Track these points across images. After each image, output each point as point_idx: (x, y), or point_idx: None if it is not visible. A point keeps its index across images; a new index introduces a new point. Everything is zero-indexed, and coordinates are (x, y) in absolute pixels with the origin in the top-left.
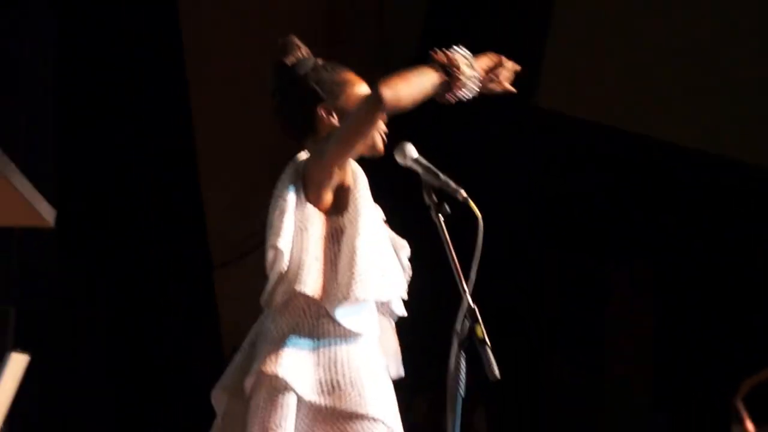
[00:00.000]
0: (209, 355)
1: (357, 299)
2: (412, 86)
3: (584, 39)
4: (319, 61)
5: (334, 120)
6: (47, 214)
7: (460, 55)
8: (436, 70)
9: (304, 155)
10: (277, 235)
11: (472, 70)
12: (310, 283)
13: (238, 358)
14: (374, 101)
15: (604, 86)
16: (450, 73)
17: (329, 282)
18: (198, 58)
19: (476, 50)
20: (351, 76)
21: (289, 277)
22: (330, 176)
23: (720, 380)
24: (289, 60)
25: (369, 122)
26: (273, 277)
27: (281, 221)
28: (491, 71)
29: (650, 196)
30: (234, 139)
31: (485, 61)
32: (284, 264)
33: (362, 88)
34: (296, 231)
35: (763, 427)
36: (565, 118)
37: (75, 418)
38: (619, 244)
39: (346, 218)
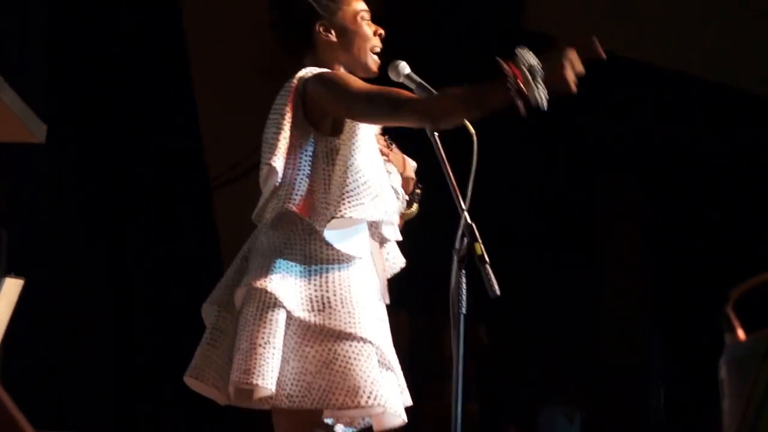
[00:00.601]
0: (208, 275)
1: (345, 217)
2: (471, 109)
3: None
4: None
5: (332, 36)
6: (37, 129)
7: (526, 66)
8: (501, 87)
9: (305, 71)
10: (272, 152)
11: (539, 81)
12: (298, 201)
13: (229, 272)
14: (426, 117)
15: (591, 8)
16: (518, 90)
17: (320, 201)
18: None
19: None
20: None
21: (279, 194)
22: (340, 116)
23: (716, 299)
24: None
25: (406, 122)
26: (265, 192)
27: (277, 138)
28: (563, 68)
29: (638, 116)
30: (229, 56)
31: (558, 61)
32: (276, 180)
33: (359, 5)
34: (291, 149)
35: (754, 332)
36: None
37: (72, 341)
38: (608, 159)
39: (342, 139)
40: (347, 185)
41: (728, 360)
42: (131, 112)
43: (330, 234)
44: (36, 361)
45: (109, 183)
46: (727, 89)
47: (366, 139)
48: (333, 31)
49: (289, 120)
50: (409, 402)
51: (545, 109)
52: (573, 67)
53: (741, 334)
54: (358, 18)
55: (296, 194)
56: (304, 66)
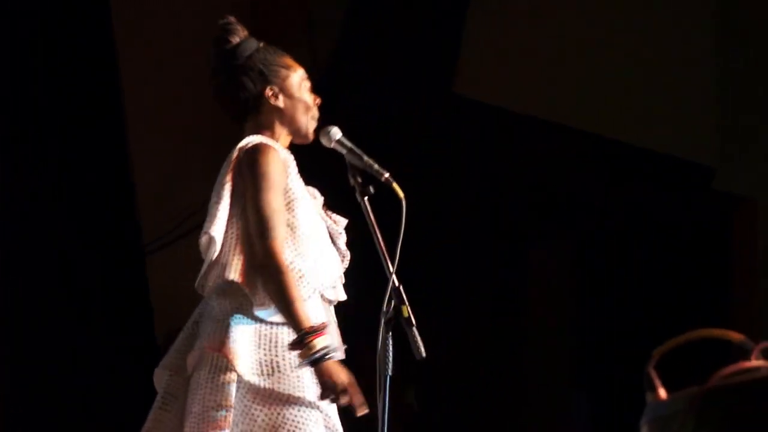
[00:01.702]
0: (142, 341)
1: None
2: (277, 300)
3: (502, 26)
4: (261, 44)
5: (279, 102)
6: None
7: (320, 349)
8: (298, 328)
9: (246, 141)
10: (212, 222)
11: (309, 359)
12: (238, 271)
13: (180, 337)
14: (260, 266)
15: (521, 74)
16: (298, 342)
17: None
18: (129, 43)
19: (396, 40)
20: (290, 60)
21: (219, 264)
22: None
23: (638, 357)
24: (233, 40)
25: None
26: (206, 261)
27: (217, 209)
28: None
29: (568, 180)
30: (166, 123)
31: (340, 379)
32: (215, 250)
33: (301, 72)
34: (231, 220)
35: (675, 392)
36: (482, 105)
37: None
38: (539, 225)
39: None
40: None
41: (649, 419)
42: (65, 171)
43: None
44: None
45: (40, 245)
46: (651, 154)
47: (303, 208)
48: (281, 97)
49: (229, 190)
50: None
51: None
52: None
53: (662, 393)
54: (302, 86)
55: (237, 264)
56: (245, 130)
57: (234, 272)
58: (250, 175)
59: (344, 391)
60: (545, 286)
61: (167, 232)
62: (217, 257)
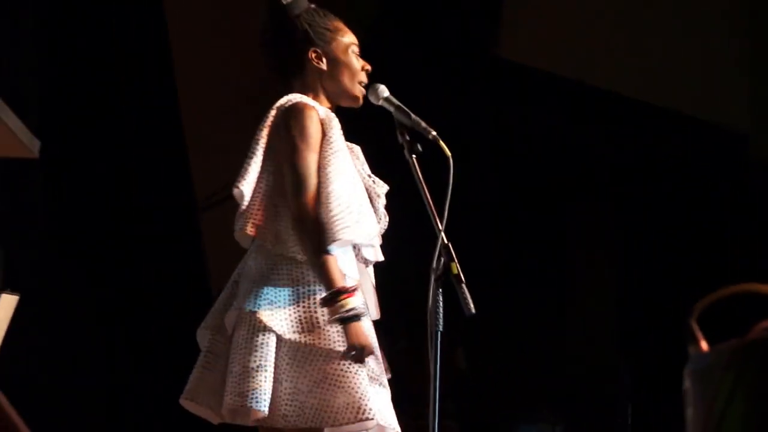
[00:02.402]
0: (197, 299)
1: (336, 240)
2: (310, 256)
3: None
4: (312, 5)
5: (323, 64)
6: (32, 145)
7: (347, 310)
8: (328, 285)
9: (285, 100)
10: (243, 176)
11: (336, 316)
12: (259, 225)
13: (222, 297)
14: (296, 216)
15: (564, 38)
16: (327, 298)
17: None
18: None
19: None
20: (341, 24)
21: (245, 215)
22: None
23: (679, 317)
24: (283, 0)
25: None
26: (237, 215)
27: (249, 164)
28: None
29: (609, 145)
30: (216, 82)
31: (361, 341)
32: (244, 204)
33: (351, 38)
34: (262, 175)
35: (716, 345)
36: (526, 69)
37: (64, 359)
38: (580, 189)
39: (319, 165)
40: (330, 211)
41: (692, 370)
42: (120, 133)
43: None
44: (29, 378)
45: (100, 205)
46: (690, 119)
47: (343, 164)
48: (324, 60)
49: (263, 146)
50: (393, 414)
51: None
52: (359, 358)
53: (704, 345)
54: (349, 51)
55: (259, 219)
56: (292, 88)
57: (251, 226)
58: (287, 134)
59: (369, 353)
60: (587, 249)
61: (220, 189)
62: (243, 211)
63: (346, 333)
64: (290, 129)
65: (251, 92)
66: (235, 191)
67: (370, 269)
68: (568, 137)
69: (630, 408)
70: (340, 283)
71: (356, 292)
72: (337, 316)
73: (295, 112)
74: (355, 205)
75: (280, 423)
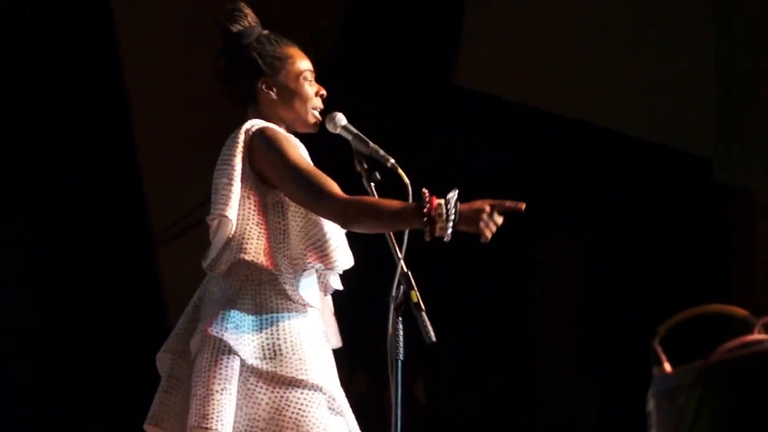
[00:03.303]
0: (154, 329)
1: (314, 267)
2: (382, 225)
3: (502, 16)
4: (265, 32)
5: (273, 95)
6: None
7: (445, 209)
8: (415, 217)
9: (251, 124)
10: (225, 203)
11: (450, 223)
12: (251, 251)
13: (182, 321)
14: (338, 218)
15: (520, 65)
16: (428, 222)
17: (278, 252)
18: (130, 28)
19: (394, 30)
20: (294, 50)
21: (232, 245)
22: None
23: (644, 346)
24: (235, 27)
25: (321, 214)
26: (218, 243)
27: (229, 189)
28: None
29: (570, 172)
30: (173, 111)
31: (476, 207)
32: (231, 231)
33: (303, 65)
34: (242, 199)
35: (680, 366)
36: (483, 96)
37: (17, 399)
38: (543, 217)
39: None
40: (310, 238)
41: (655, 392)
42: (74, 167)
43: (290, 282)
44: None
45: (53, 238)
46: (653, 145)
47: None
48: (275, 89)
49: (239, 171)
50: None
51: (446, 241)
52: (492, 219)
53: (667, 367)
54: (301, 78)
55: (249, 244)
56: (247, 116)
57: (245, 252)
58: (270, 154)
59: (485, 210)
60: (552, 278)
61: (176, 222)
62: (230, 238)
63: (463, 223)
64: (271, 149)
65: (207, 121)
66: (219, 219)
67: (329, 297)
68: (528, 165)
69: None
70: (413, 208)
71: (432, 196)
72: (447, 227)
73: (269, 132)
74: (334, 231)
75: None
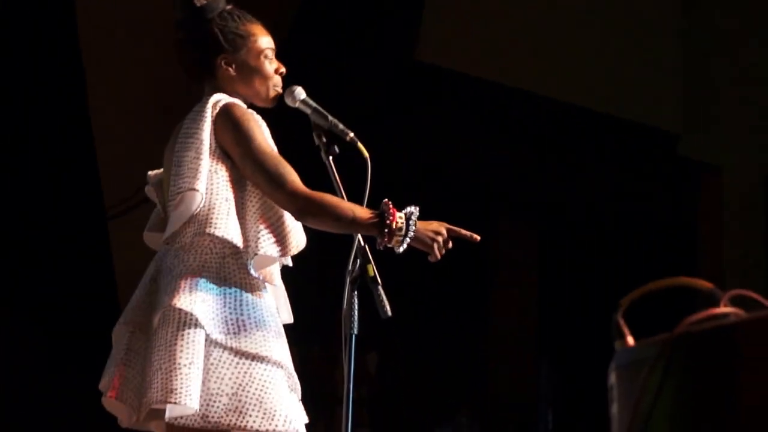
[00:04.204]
0: (103, 305)
1: (263, 254)
2: (339, 227)
3: None
4: (228, 7)
5: (232, 71)
6: None
7: (405, 224)
8: (374, 227)
9: (216, 98)
10: (195, 177)
11: (407, 239)
12: (221, 226)
13: (139, 293)
14: (297, 211)
15: (484, 41)
16: (386, 234)
17: (242, 228)
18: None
19: (357, 11)
20: (256, 27)
21: (200, 219)
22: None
23: (605, 322)
24: (198, 1)
25: (278, 202)
26: (181, 217)
27: (198, 163)
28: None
29: (533, 152)
30: (128, 85)
31: (433, 229)
32: (200, 205)
33: (264, 42)
34: (209, 173)
35: (642, 339)
36: (445, 72)
37: None
38: (504, 201)
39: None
40: (261, 224)
41: (618, 366)
42: (26, 140)
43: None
44: None
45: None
46: (618, 121)
47: None
48: (234, 66)
49: (207, 145)
50: (306, 420)
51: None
52: (443, 243)
53: (630, 340)
54: (262, 56)
55: (219, 219)
56: (203, 90)
57: (215, 227)
58: (236, 133)
59: (442, 234)
60: (512, 253)
61: (129, 197)
62: (198, 212)
63: (416, 241)
64: (237, 128)
65: (163, 99)
66: (189, 193)
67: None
68: (491, 141)
69: (551, 413)
70: (373, 216)
71: (392, 207)
72: (402, 240)
73: (236, 110)
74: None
75: (198, 423)
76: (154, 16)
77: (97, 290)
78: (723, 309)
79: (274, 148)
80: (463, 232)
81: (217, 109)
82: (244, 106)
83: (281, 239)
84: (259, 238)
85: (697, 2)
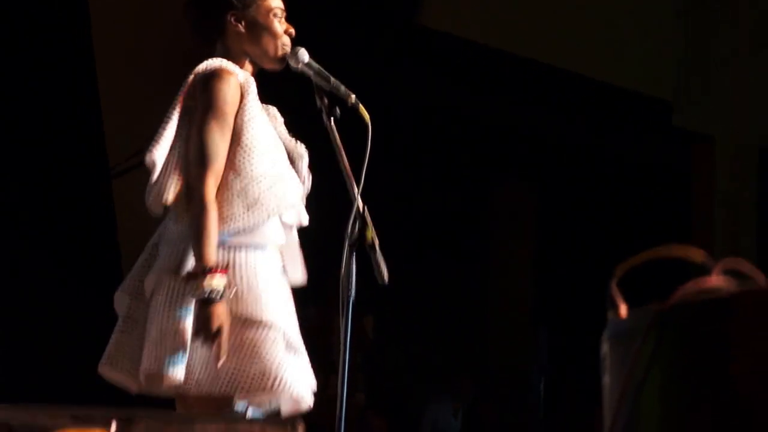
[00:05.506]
0: (106, 264)
1: (252, 225)
2: (192, 234)
3: None
4: None
5: (241, 28)
6: None
7: (210, 288)
8: (199, 261)
9: (203, 66)
10: (156, 143)
11: (200, 296)
12: (175, 193)
13: (140, 260)
14: (190, 206)
15: (484, 7)
16: (192, 278)
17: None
18: None
19: None
20: None
21: (159, 185)
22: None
23: (600, 291)
24: None
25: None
26: (151, 185)
27: (163, 130)
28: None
29: (532, 117)
30: (133, 46)
31: (219, 321)
32: (156, 171)
33: (274, 2)
34: (177, 142)
35: (635, 309)
36: (447, 37)
37: None
38: (503, 164)
39: (234, 130)
40: (235, 194)
41: (610, 335)
42: (32, 99)
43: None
44: None
45: (7, 169)
46: (613, 89)
47: (259, 131)
48: (243, 23)
49: (178, 112)
50: (314, 384)
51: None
52: (219, 342)
53: (624, 310)
54: (271, 15)
55: (173, 188)
56: (214, 51)
57: (170, 195)
58: (201, 101)
59: (215, 336)
60: (508, 222)
61: (133, 155)
62: (157, 178)
63: (199, 312)
64: (204, 96)
65: (171, 57)
66: (147, 158)
67: (294, 233)
68: (491, 107)
69: (543, 381)
70: (210, 262)
71: (222, 273)
72: (195, 294)
73: (211, 79)
74: (270, 173)
75: (194, 390)
76: None
77: (100, 253)
78: (715, 280)
79: (264, 132)
80: (218, 349)
81: (199, 73)
82: (237, 70)
83: (249, 207)
84: (230, 210)
85: None
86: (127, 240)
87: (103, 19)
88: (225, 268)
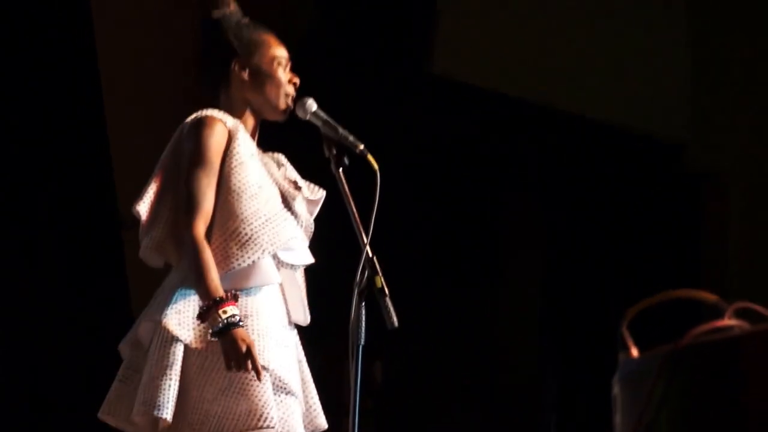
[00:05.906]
0: (118, 316)
1: (248, 264)
2: (191, 274)
3: (478, 5)
4: (245, 20)
5: (245, 76)
6: None
7: (225, 319)
8: (206, 296)
9: (197, 114)
10: (141, 197)
11: (216, 329)
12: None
13: (143, 311)
14: (182, 250)
15: (496, 54)
16: (206, 312)
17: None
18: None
19: (369, 21)
20: (270, 38)
21: (149, 236)
22: None
23: (610, 331)
24: (216, 14)
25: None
26: (140, 234)
27: (149, 184)
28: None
29: (542, 158)
30: (144, 98)
31: (245, 346)
32: (142, 225)
33: (278, 51)
34: (164, 194)
35: (647, 351)
36: (461, 85)
37: None
38: (510, 203)
39: (223, 175)
40: (228, 237)
41: (621, 377)
42: (43, 148)
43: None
44: None
45: (18, 221)
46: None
47: (246, 175)
48: (247, 71)
49: (165, 164)
50: (325, 425)
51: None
52: (245, 364)
53: (635, 351)
54: (275, 63)
55: (160, 237)
56: (219, 102)
57: (157, 244)
58: (188, 150)
59: (245, 358)
60: (514, 258)
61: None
62: (145, 230)
63: (222, 342)
64: (190, 145)
65: (181, 110)
66: (134, 211)
67: (299, 273)
68: (501, 152)
69: (554, 419)
70: (216, 294)
71: (233, 301)
72: (213, 328)
73: (197, 127)
74: (262, 212)
75: (186, 431)
76: (175, 20)
77: (111, 302)
78: (728, 321)
79: (254, 175)
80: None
81: (187, 124)
82: (226, 117)
83: (242, 246)
84: (224, 252)
85: (704, 9)
86: (138, 292)
87: (114, 75)
88: (234, 299)
